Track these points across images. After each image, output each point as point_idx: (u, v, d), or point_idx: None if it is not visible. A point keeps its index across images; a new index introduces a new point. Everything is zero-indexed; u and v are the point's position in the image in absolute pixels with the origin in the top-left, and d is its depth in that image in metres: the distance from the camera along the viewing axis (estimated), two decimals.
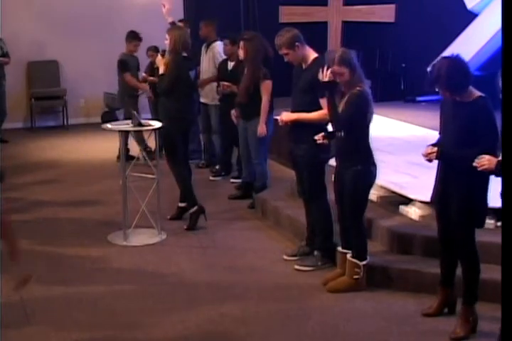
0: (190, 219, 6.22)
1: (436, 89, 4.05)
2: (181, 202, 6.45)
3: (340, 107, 4.66)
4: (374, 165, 4.72)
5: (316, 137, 4.81)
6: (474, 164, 3.70)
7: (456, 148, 3.99)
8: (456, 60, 4.00)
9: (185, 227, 6.18)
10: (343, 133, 4.65)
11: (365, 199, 4.80)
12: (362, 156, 4.68)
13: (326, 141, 4.81)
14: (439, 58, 4.08)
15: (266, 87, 6.40)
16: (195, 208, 6.22)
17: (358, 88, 4.59)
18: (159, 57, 6.20)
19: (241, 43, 6.40)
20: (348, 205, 4.75)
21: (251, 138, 6.60)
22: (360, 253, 4.79)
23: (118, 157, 7.31)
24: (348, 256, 4.82)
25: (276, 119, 6.48)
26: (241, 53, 6.44)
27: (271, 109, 6.53)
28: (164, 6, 6.75)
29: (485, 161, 3.67)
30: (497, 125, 3.82)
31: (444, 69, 3.93)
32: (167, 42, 6.08)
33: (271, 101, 6.48)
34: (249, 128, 6.61)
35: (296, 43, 5.01)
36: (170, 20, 6.67)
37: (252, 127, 6.58)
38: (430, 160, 4.07)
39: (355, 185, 4.69)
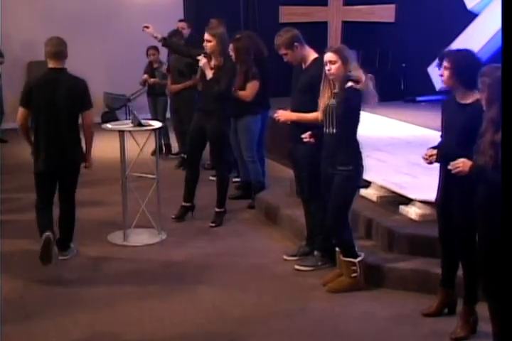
0: (218, 218, 6.33)
1: (444, 84, 4.02)
2: (185, 201, 6.45)
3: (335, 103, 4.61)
4: (362, 166, 4.73)
5: (303, 135, 4.81)
6: (449, 167, 3.69)
7: (457, 149, 3.96)
8: (474, 54, 4.00)
9: (213, 225, 6.25)
10: (334, 130, 4.64)
11: (352, 199, 4.82)
12: (352, 156, 4.68)
13: (313, 140, 4.80)
14: (447, 50, 4.02)
15: (251, 86, 6.48)
16: (223, 209, 6.39)
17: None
18: (204, 60, 5.95)
19: (231, 45, 6.41)
20: (337, 205, 4.74)
21: (240, 135, 6.74)
22: (349, 251, 4.80)
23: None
24: (341, 256, 4.83)
25: (269, 117, 6.54)
26: (232, 54, 6.46)
27: (262, 108, 6.65)
28: (148, 28, 6.50)
29: (459, 164, 3.64)
30: None
31: (468, 60, 3.91)
32: (211, 43, 5.87)
33: (261, 101, 6.56)
34: (238, 126, 6.72)
35: (295, 43, 5.00)
36: (159, 37, 6.43)
37: (240, 125, 6.69)
38: (431, 163, 4.07)
39: (346, 186, 4.70)
